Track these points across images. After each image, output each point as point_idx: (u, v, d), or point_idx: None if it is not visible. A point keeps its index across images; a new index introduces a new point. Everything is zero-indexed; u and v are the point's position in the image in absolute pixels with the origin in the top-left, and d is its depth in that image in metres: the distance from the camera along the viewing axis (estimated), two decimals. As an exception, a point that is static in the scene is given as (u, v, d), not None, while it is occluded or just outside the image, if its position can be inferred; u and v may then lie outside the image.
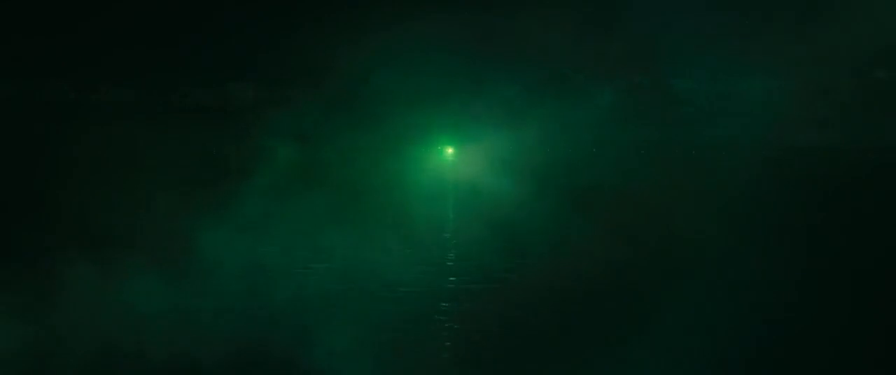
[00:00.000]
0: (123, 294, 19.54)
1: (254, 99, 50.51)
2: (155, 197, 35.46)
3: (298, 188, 39.16)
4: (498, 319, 19.13)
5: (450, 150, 53.96)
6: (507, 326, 18.43)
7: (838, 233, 33.25)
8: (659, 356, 15.92)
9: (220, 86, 51.27)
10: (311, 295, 21.53)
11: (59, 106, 51.16)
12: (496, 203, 42.31)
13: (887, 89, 44.43)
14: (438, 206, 43.86)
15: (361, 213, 36.71)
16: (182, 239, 26.11)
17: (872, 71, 44.28)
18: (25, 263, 23.82)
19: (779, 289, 22.11)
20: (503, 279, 23.87)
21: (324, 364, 15.58)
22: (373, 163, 45.76)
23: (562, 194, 46.01)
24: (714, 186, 51.01)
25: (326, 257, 26.82)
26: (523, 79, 44.09)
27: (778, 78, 43.11)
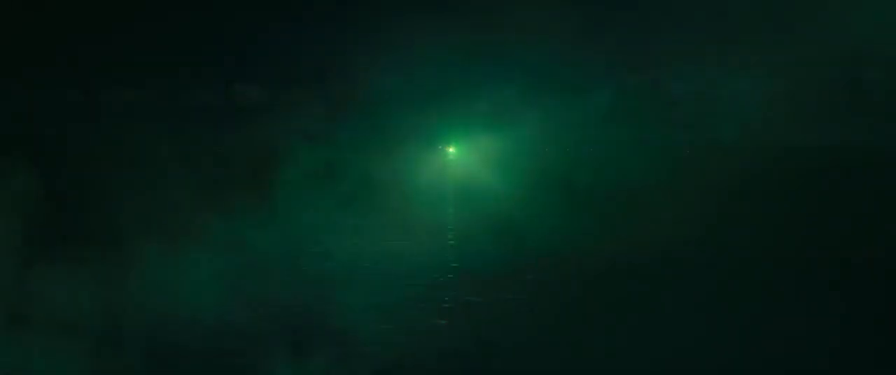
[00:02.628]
0: (131, 286, 20.16)
1: (259, 99, 50.93)
2: (164, 196, 35.98)
3: (303, 186, 39.60)
4: (496, 317, 19.37)
5: (451, 149, 54.65)
6: (505, 325, 18.63)
7: (833, 233, 33.38)
8: (655, 354, 16.14)
9: (226, 88, 51.73)
10: (315, 290, 22.09)
11: (67, 108, 51.67)
12: (496, 201, 42.61)
13: (880, 90, 44.81)
14: (439, 205, 44.14)
15: (365, 212, 37.08)
16: (192, 234, 26.79)
17: (865, 72, 44.65)
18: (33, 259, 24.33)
19: (775, 288, 22.33)
20: (502, 277, 24.12)
21: (328, 353, 16.24)
22: (375, 163, 46.17)
23: (560, 192, 46.28)
24: (711, 186, 51.25)
25: (330, 254, 27.29)
26: (522, 79, 44.53)
27: (774, 78, 43.52)
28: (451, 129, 51.77)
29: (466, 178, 50.66)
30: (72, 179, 40.85)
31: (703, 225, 34.48)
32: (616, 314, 19.81)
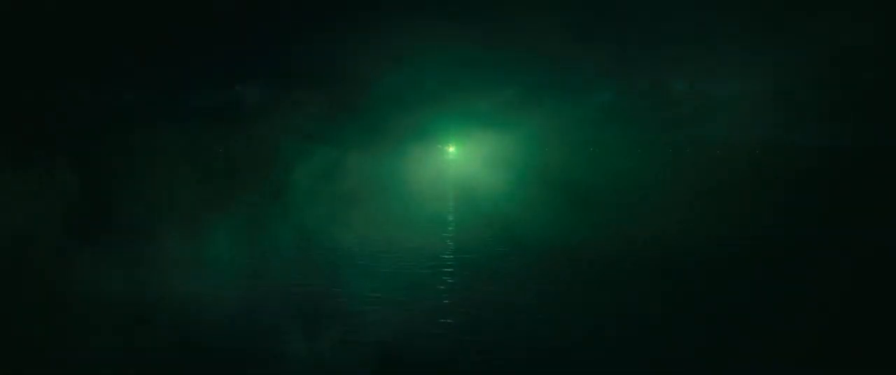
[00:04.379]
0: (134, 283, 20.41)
1: (261, 100, 51.24)
2: (168, 195, 36.24)
3: (304, 185, 39.85)
4: (495, 315, 19.54)
5: (451, 149, 55.01)
6: (504, 323, 18.79)
7: (831, 231, 33.51)
8: (653, 351, 16.29)
9: (228, 88, 52.04)
10: (318, 283, 22.33)
11: (70, 107, 51.93)
12: (495, 200, 42.78)
13: (874, 90, 45.14)
14: (439, 203, 44.32)
15: (366, 210, 37.30)
16: (198, 231, 27.08)
17: (861, 72, 45.01)
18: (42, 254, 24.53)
19: (772, 286, 22.54)
20: (501, 275, 24.30)
21: (337, 333, 16.54)
22: (377, 162, 46.41)
23: (560, 192, 46.43)
24: (709, 185, 51.48)
25: (331, 251, 27.53)
26: (523, 79, 44.85)
27: (771, 79, 43.84)
28: (451, 129, 52.08)
29: (466, 178, 50.83)
30: (77, 177, 41.04)
31: (701, 223, 34.65)
32: (613, 305, 19.98)
